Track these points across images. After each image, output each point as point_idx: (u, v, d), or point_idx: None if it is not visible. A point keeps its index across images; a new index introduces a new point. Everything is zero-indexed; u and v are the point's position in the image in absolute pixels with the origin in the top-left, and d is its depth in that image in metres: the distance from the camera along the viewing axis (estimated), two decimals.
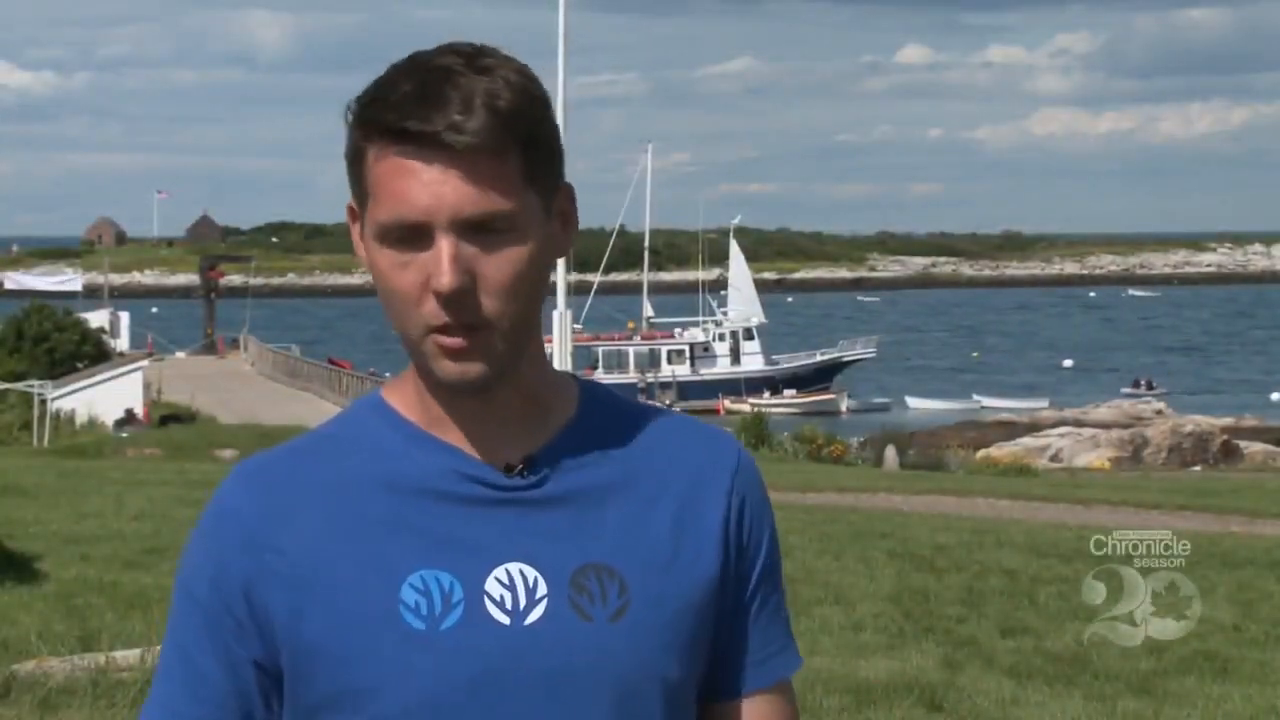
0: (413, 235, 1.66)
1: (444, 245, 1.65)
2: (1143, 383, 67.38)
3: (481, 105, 1.65)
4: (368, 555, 1.70)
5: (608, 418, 1.79)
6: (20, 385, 38.16)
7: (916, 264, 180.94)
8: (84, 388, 39.37)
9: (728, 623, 1.79)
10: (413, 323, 1.68)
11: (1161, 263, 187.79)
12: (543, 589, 1.69)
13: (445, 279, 1.64)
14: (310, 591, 1.69)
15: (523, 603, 1.69)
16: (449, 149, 1.64)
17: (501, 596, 1.69)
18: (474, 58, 1.68)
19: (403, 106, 1.65)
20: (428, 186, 1.64)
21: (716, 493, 1.79)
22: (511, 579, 1.70)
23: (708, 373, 66.41)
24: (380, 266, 1.68)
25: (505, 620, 1.68)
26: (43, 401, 35.64)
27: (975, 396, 65.59)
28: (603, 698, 1.69)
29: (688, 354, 67.11)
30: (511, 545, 1.70)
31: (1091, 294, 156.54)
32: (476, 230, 1.66)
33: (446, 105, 1.65)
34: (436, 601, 1.68)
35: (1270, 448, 40.89)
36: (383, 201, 1.67)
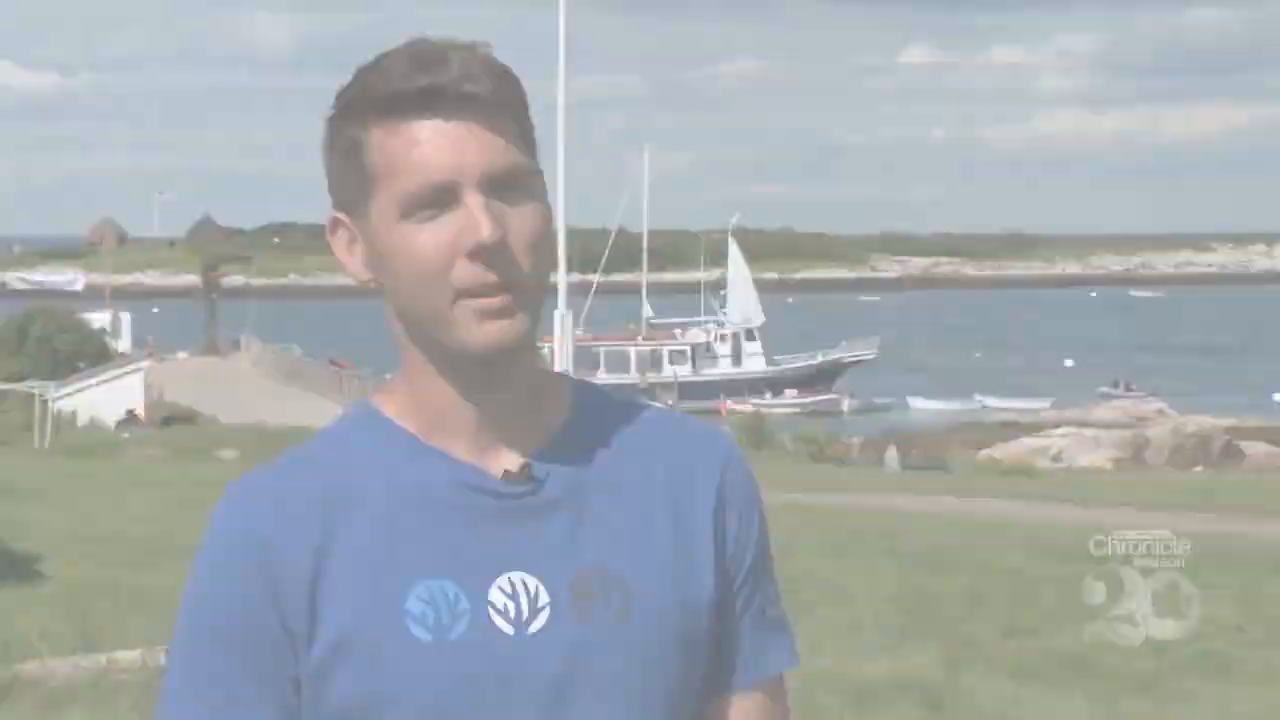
0: (438, 199, 1.64)
1: (474, 200, 1.64)
2: (1121, 383, 66.90)
3: (479, 67, 1.66)
4: (371, 567, 1.68)
5: (601, 417, 1.78)
6: (22, 386, 38.20)
7: (919, 264, 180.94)
8: (86, 388, 39.42)
9: (718, 618, 1.77)
10: (438, 292, 1.65)
11: (1164, 263, 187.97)
12: (544, 597, 1.68)
13: (485, 229, 1.62)
14: (318, 606, 1.68)
15: (525, 612, 1.68)
16: (465, 105, 1.64)
17: (505, 605, 1.68)
18: (444, 41, 1.68)
19: (408, 75, 1.65)
20: (451, 145, 1.64)
21: (706, 488, 1.78)
22: (514, 588, 1.68)
23: (709, 373, 66.42)
24: (400, 242, 1.65)
25: (510, 630, 1.67)
26: (45, 402, 35.67)
27: (977, 397, 65.56)
28: (608, 702, 1.69)
29: (689, 355, 67.12)
30: (513, 553, 1.69)
31: (1093, 294, 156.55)
32: (501, 186, 1.65)
33: (450, 64, 1.65)
34: (443, 612, 1.67)
35: (1272, 448, 40.92)
36: (403, 173, 1.65)
